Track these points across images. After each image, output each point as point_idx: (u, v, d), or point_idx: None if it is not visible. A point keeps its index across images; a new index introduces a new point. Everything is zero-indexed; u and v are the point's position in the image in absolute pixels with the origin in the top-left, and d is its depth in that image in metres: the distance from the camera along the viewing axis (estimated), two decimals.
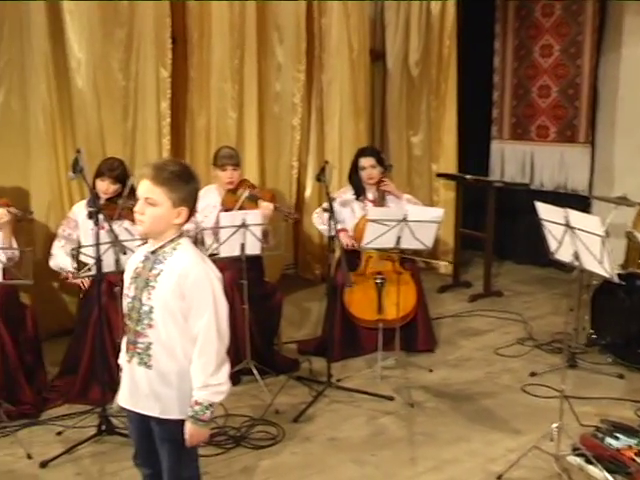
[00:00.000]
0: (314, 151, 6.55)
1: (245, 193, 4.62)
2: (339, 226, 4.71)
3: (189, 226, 4.21)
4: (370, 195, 5.01)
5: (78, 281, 4.28)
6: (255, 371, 4.31)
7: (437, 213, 4.38)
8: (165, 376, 2.38)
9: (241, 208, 4.51)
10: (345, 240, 4.80)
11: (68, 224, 4.50)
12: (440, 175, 6.81)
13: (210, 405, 2.34)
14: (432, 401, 4.23)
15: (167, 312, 2.34)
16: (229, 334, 2.39)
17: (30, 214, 4.19)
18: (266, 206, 4.55)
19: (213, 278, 2.34)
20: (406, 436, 3.80)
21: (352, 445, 3.72)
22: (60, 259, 4.41)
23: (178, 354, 2.36)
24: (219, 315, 2.33)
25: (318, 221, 5.04)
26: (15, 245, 4.06)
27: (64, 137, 5.12)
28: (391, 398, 4.22)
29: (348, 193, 5.04)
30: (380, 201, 4.94)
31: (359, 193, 5.01)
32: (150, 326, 2.37)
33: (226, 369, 2.36)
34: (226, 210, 4.54)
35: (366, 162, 4.96)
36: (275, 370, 4.48)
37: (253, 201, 4.63)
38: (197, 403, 2.33)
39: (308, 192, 6.51)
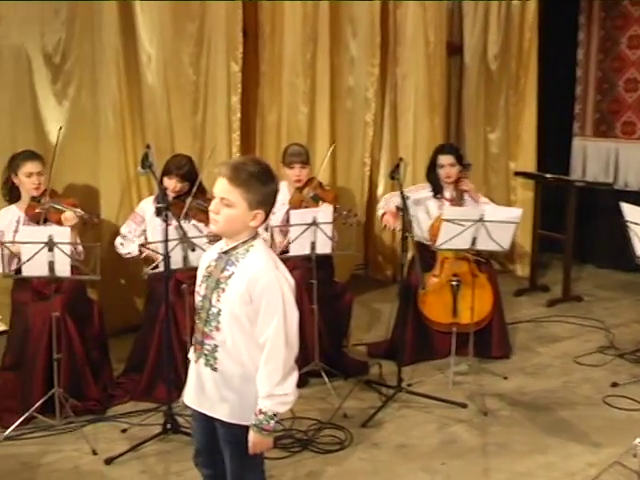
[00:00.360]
0: (387, 148, 6.50)
1: (310, 193, 4.64)
2: (381, 211, 4.80)
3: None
4: (447, 194, 4.93)
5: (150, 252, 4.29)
6: (323, 373, 4.30)
7: (515, 213, 4.30)
8: (231, 380, 2.38)
9: (306, 208, 4.52)
10: (388, 221, 4.75)
11: (134, 219, 4.56)
12: (518, 174, 6.68)
13: (274, 415, 2.32)
14: (506, 410, 4.14)
15: (233, 317, 2.33)
16: (298, 342, 2.36)
17: (97, 218, 4.25)
18: (324, 208, 4.52)
19: (284, 284, 2.31)
20: (479, 446, 3.73)
21: (422, 453, 3.67)
22: (128, 243, 4.47)
23: (244, 359, 2.35)
24: (288, 322, 2.30)
25: (379, 205, 5.03)
26: (80, 246, 4.12)
27: (133, 133, 5.20)
28: (464, 405, 4.15)
29: (424, 190, 4.97)
30: (458, 200, 4.86)
31: (437, 191, 4.93)
32: (217, 329, 2.37)
33: (293, 379, 2.33)
34: (292, 209, 4.54)
35: (445, 160, 4.89)
36: (344, 373, 4.46)
37: (316, 201, 4.64)
38: (261, 412, 2.31)
39: (380, 190, 6.44)
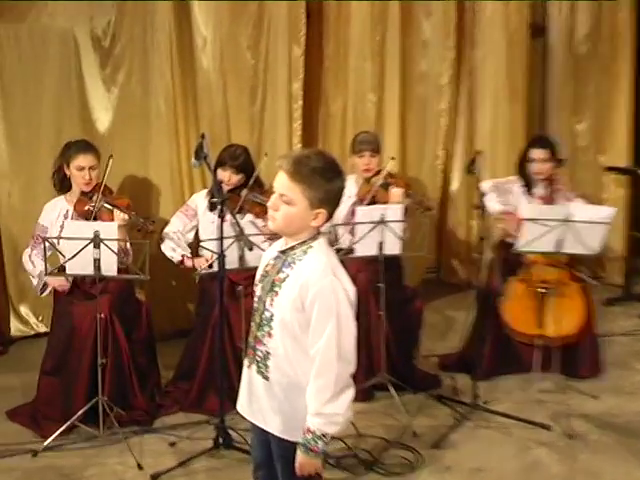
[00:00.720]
0: (463, 139, 6.39)
1: (378, 181, 4.59)
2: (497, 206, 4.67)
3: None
4: (539, 191, 4.79)
5: (192, 263, 4.35)
6: (391, 387, 4.23)
7: (606, 212, 4.19)
8: (282, 391, 2.36)
9: (374, 198, 4.50)
10: (509, 227, 4.61)
11: (186, 212, 4.58)
12: (610, 169, 6.52)
13: (323, 435, 2.27)
14: (595, 433, 4.01)
15: (285, 324, 2.32)
16: (355, 356, 2.31)
17: (151, 224, 4.22)
18: (396, 193, 4.50)
19: (339, 292, 2.26)
20: (564, 473, 3.62)
21: (500, 478, 3.59)
22: (172, 245, 4.48)
23: (297, 370, 2.33)
24: (342, 335, 2.26)
25: (488, 197, 4.66)
26: (128, 245, 4.17)
27: (187, 121, 5.24)
28: (547, 427, 4.04)
29: (515, 185, 4.84)
30: (550, 200, 4.72)
31: (528, 187, 4.80)
32: (269, 335, 2.36)
33: (346, 397, 2.28)
34: (360, 201, 4.52)
35: (536, 154, 4.76)
36: (413, 386, 4.39)
37: (385, 188, 4.59)
38: (309, 431, 2.27)
39: (455, 186, 6.37)
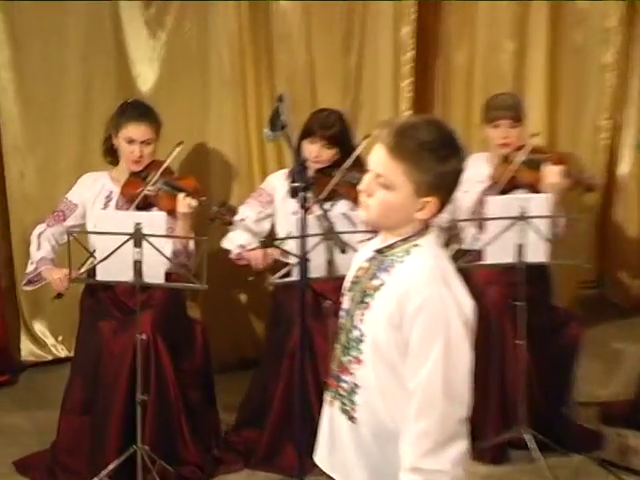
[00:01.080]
0: (636, 104, 6.32)
1: (521, 157, 4.55)
2: None
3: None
4: None
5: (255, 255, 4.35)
6: (533, 444, 4.19)
7: None
8: (372, 438, 2.35)
9: (514, 180, 4.48)
10: None
11: (259, 197, 4.62)
12: None
13: None
14: None
15: (378, 348, 2.31)
16: (469, 395, 2.27)
17: (230, 213, 4.24)
18: (552, 171, 4.43)
19: (451, 307, 2.24)
20: None
21: None
22: (235, 235, 4.51)
23: (392, 410, 2.31)
24: (451, 363, 2.22)
25: None
26: (193, 251, 4.21)
27: (257, 79, 5.27)
28: None
29: None
30: None
31: None
32: (358, 361, 2.35)
33: (456, 450, 2.23)
34: (495, 185, 4.51)
35: None
36: (565, 445, 4.32)
37: (534, 167, 4.54)
38: None
39: (624, 168, 6.32)
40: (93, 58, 5.08)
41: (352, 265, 2.51)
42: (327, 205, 4.22)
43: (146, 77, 5.19)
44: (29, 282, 4.31)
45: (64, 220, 4.34)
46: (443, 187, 2.30)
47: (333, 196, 4.38)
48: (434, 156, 2.25)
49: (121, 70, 5.13)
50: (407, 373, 2.26)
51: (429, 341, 2.21)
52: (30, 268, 4.31)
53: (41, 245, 4.30)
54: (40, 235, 4.34)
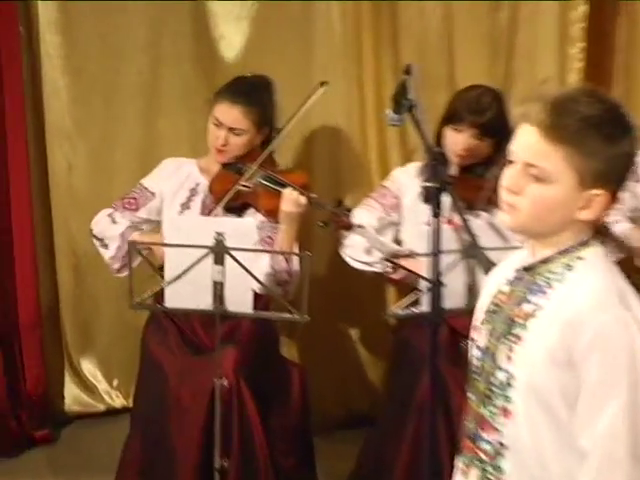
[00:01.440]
0: None
1: None
2: None
3: None
4: None
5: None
6: None
7: None
8: None
9: None
10: None
11: (381, 198, 4.60)
12: None
13: None
14: None
15: (535, 394, 2.30)
16: None
17: (347, 214, 4.20)
18: None
19: (636, 337, 2.23)
20: None
21: None
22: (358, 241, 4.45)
23: (554, 477, 2.31)
24: (639, 413, 2.22)
25: None
26: (296, 263, 4.21)
27: (376, 44, 5.27)
28: None
29: None
30: None
31: None
32: (506, 413, 2.35)
33: None
34: None
35: None
36: None
37: None
38: None
39: None
40: (163, 16, 5.09)
41: (484, 290, 2.53)
42: (474, 215, 4.22)
43: (231, 40, 5.18)
44: (121, 268, 4.32)
45: (136, 210, 4.38)
46: (615, 176, 2.31)
47: (489, 202, 4.20)
48: (602, 135, 2.26)
49: (199, 31, 5.14)
50: (577, 426, 2.24)
51: (609, 383, 2.21)
52: (110, 252, 4.33)
53: (116, 221, 4.34)
54: (111, 214, 4.37)
